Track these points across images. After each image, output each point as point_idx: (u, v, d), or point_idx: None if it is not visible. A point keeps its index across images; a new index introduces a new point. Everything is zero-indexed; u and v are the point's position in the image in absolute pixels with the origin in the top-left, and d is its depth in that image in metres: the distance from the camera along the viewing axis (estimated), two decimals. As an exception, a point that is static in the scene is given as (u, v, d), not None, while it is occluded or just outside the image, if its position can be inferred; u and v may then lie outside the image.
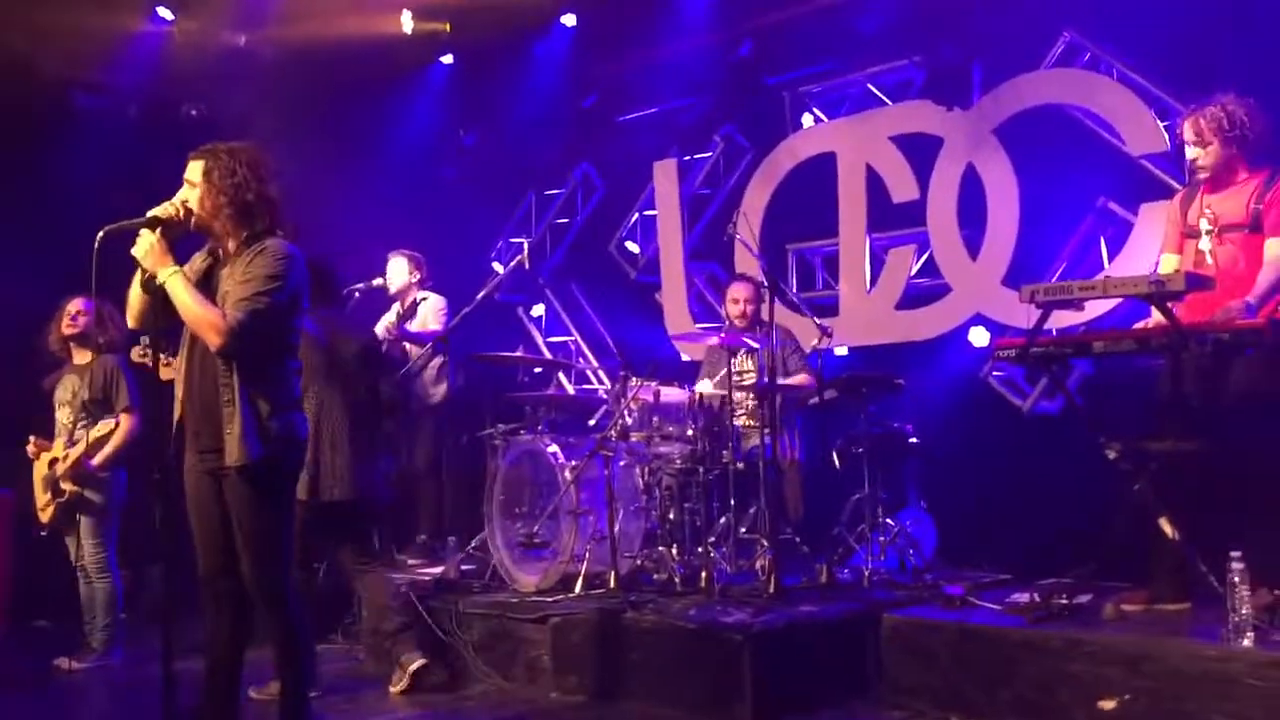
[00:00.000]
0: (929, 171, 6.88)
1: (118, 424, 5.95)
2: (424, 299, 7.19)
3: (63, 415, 5.99)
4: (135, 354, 5.84)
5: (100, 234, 3.60)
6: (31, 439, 6.01)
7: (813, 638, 4.79)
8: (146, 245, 3.71)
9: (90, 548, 5.92)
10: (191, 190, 3.84)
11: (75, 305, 6.02)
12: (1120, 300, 4.89)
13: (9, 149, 7.48)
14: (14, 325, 6.36)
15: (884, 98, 7.26)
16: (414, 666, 5.19)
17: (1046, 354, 4.50)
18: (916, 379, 6.27)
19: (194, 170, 3.86)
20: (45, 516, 5.98)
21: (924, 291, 6.93)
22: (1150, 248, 5.74)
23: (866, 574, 5.54)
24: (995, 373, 6.56)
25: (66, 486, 5.88)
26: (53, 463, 5.93)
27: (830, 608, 5.02)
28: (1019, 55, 6.57)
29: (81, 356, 6.01)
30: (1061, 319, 5.49)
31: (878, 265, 7.15)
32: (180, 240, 3.84)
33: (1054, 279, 6.10)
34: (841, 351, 7.06)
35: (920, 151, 6.92)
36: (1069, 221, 6.37)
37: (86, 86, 8.20)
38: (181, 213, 3.78)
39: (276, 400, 3.81)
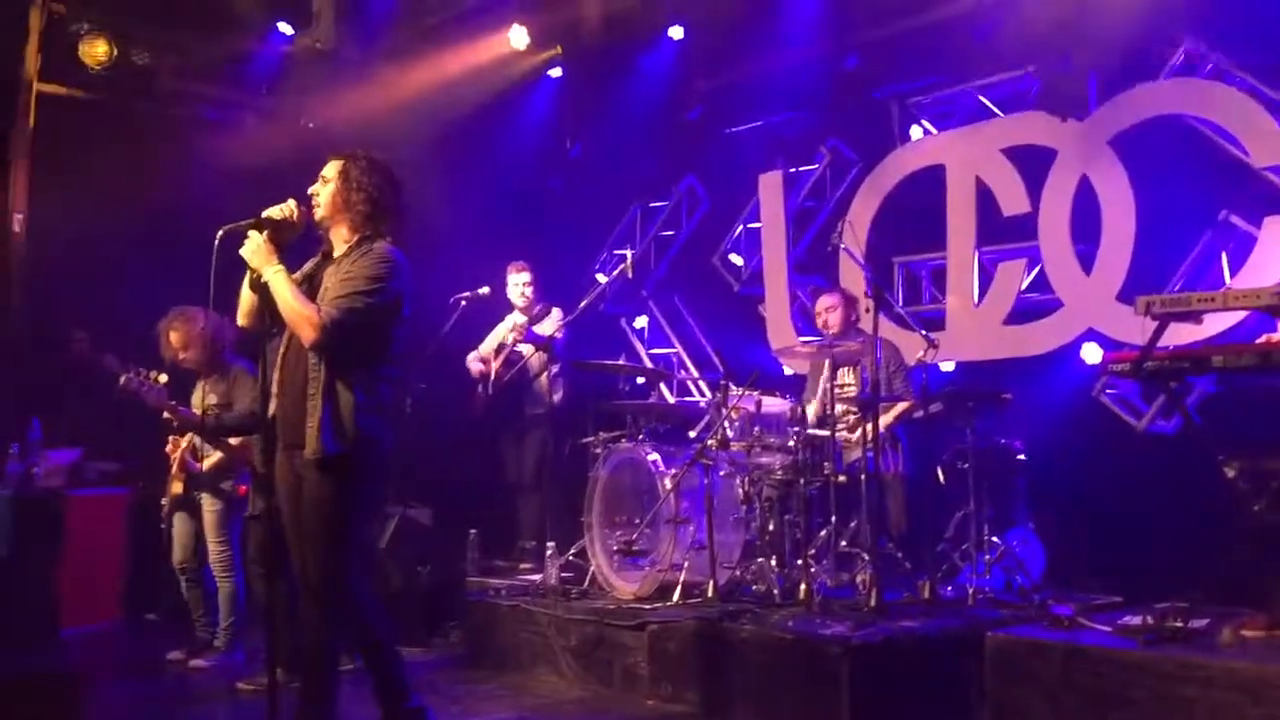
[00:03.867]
0: (1041, 184, 6.74)
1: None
2: (548, 309, 7.25)
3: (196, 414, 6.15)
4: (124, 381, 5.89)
5: (219, 234, 3.72)
6: (171, 438, 6.16)
7: (914, 654, 4.71)
8: (254, 244, 3.82)
9: (213, 546, 6.02)
10: (324, 186, 3.98)
11: (174, 341, 6.01)
12: (1243, 314, 4.72)
13: (136, 159, 7.77)
14: (142, 330, 6.57)
15: (995, 109, 7.13)
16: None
17: (1162, 369, 4.35)
18: (1025, 395, 6.11)
19: (331, 168, 3.99)
20: (164, 510, 6.17)
21: (1034, 306, 6.78)
22: (1275, 262, 5.54)
23: (971, 592, 5.43)
24: (1108, 390, 6.38)
25: (174, 486, 6.06)
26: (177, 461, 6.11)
27: (932, 624, 4.93)
28: (1137, 65, 6.40)
29: (210, 367, 6.10)
30: (1179, 334, 5.31)
31: (986, 279, 7.02)
32: (293, 244, 3.95)
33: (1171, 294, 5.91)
34: (947, 366, 6.94)
35: (1032, 163, 6.78)
36: (1188, 235, 6.17)
37: (209, 99, 8.48)
38: (294, 214, 3.88)
39: (361, 401, 3.83)
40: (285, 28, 8.17)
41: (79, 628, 6.77)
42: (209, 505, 6.04)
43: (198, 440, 6.04)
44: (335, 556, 3.83)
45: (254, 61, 8.40)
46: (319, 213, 3.97)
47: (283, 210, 3.87)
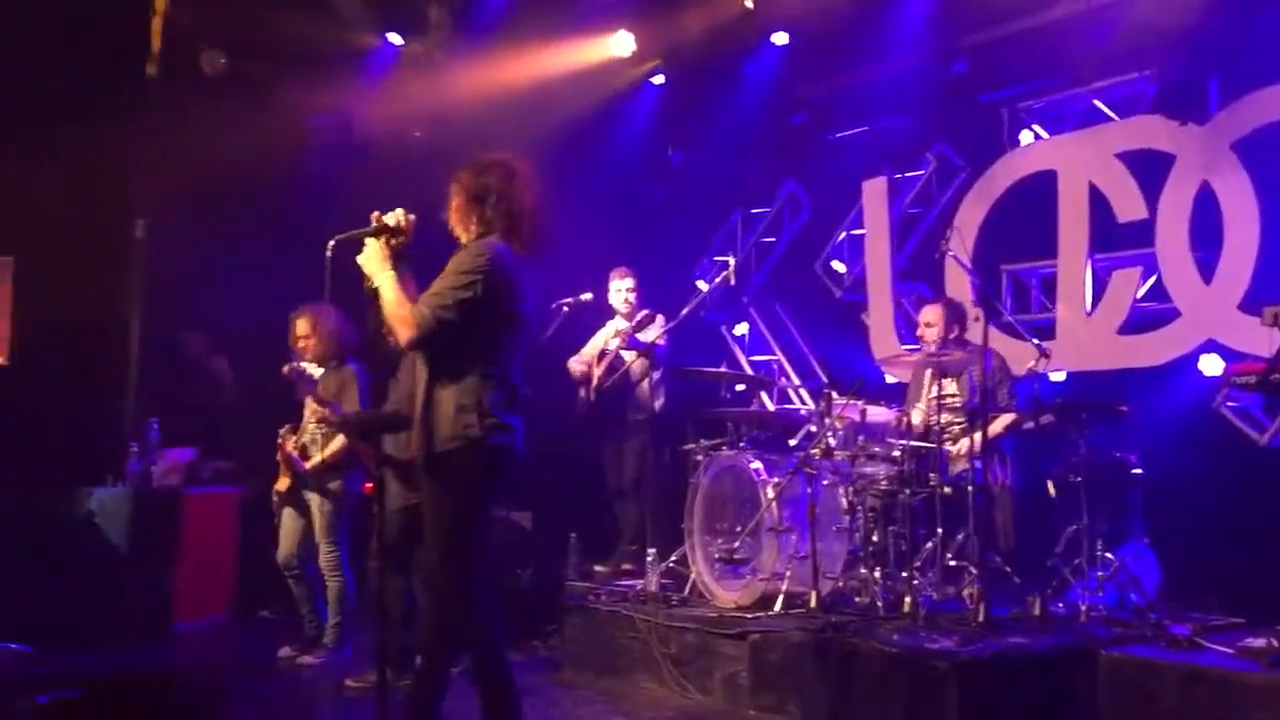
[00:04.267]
0: (1158, 190, 6.54)
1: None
2: (652, 316, 7.25)
3: (307, 414, 6.30)
4: (311, 367, 6.13)
5: (331, 242, 3.78)
6: (281, 433, 6.32)
7: (1024, 671, 4.60)
8: (370, 251, 3.85)
9: (323, 547, 6.14)
10: (453, 199, 3.99)
11: (299, 328, 6.24)
12: (1376, 326, 4.51)
13: (252, 169, 8.00)
14: (254, 332, 6.75)
15: (1110, 113, 6.94)
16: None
17: (1291, 381, 4.20)
18: (1140, 407, 5.94)
19: (460, 175, 3.99)
20: (275, 503, 6.32)
21: (1150, 316, 6.58)
22: None
23: (1083, 609, 5.27)
24: (1229, 402, 6.16)
25: (283, 481, 6.20)
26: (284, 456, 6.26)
27: (1043, 641, 4.80)
28: (1260, 68, 6.17)
29: (325, 363, 6.26)
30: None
31: (1100, 288, 6.84)
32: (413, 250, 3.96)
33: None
34: (1058, 377, 6.76)
35: (1149, 169, 6.58)
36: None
37: (321, 108, 8.68)
38: (404, 222, 3.89)
39: (462, 399, 3.77)
40: (395, 38, 8.32)
41: (192, 623, 6.96)
42: (317, 505, 6.15)
43: (305, 439, 6.17)
44: (442, 558, 3.82)
45: (365, 70, 8.57)
46: (449, 223, 3.98)
47: (394, 218, 3.91)
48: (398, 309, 3.79)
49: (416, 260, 4.01)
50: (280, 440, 6.24)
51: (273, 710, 5.47)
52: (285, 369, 6.09)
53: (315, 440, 6.18)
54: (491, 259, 3.82)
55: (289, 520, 6.25)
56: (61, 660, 5.31)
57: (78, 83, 7.11)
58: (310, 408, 6.22)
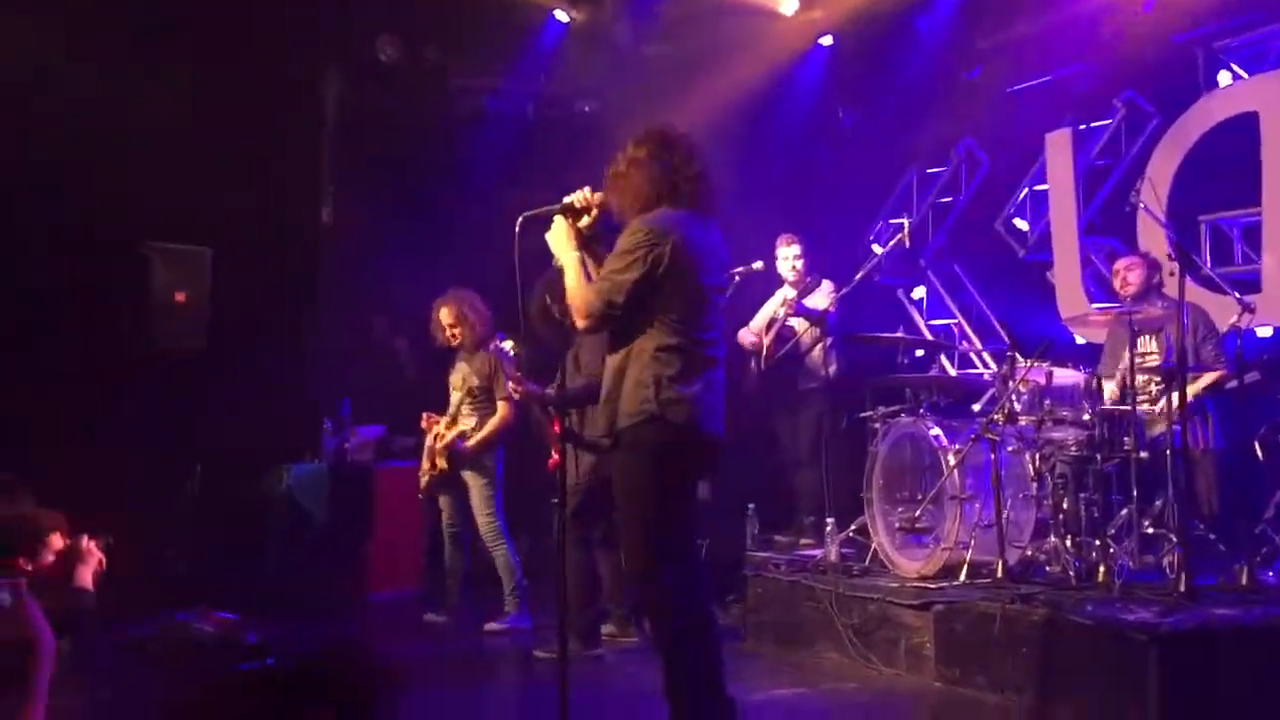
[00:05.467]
0: (1376, 127, 6.04)
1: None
2: (818, 281, 7.13)
3: (454, 398, 6.47)
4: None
5: (520, 219, 3.81)
6: (425, 415, 6.52)
7: (1231, 645, 4.33)
8: (558, 230, 3.88)
9: (482, 520, 6.34)
10: (617, 179, 3.91)
11: (444, 317, 6.38)
12: None
13: (431, 152, 8.23)
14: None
15: (1319, 47, 6.45)
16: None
17: None
18: (1359, 362, 5.52)
19: (621, 159, 3.91)
20: (422, 484, 6.52)
21: (1369, 263, 6.10)
22: None
23: (1296, 578, 4.95)
24: None
25: (439, 462, 6.37)
26: (437, 438, 6.44)
27: (1253, 613, 4.51)
28: None
29: (473, 348, 6.43)
30: None
31: (1310, 235, 6.37)
32: (602, 229, 3.94)
33: None
34: (1265, 332, 6.35)
35: (1365, 105, 6.09)
36: None
37: (493, 90, 8.84)
38: (588, 201, 3.88)
39: (641, 375, 3.73)
40: (562, 15, 8.37)
41: (385, 593, 7.25)
42: (474, 481, 6.35)
43: (460, 418, 6.33)
44: (638, 537, 3.76)
45: (531, 51, 8.67)
46: (614, 205, 3.89)
47: (578, 197, 3.89)
48: (576, 292, 3.82)
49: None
50: (426, 426, 6.43)
51: (463, 678, 5.61)
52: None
53: (471, 422, 6.35)
54: (652, 231, 3.73)
55: (447, 500, 6.51)
56: (266, 628, 5.61)
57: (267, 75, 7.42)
58: (459, 390, 6.38)
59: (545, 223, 3.91)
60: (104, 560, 3.90)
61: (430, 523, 6.84)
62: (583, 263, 3.85)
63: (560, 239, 3.87)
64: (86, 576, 3.83)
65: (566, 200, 3.90)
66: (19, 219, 6.59)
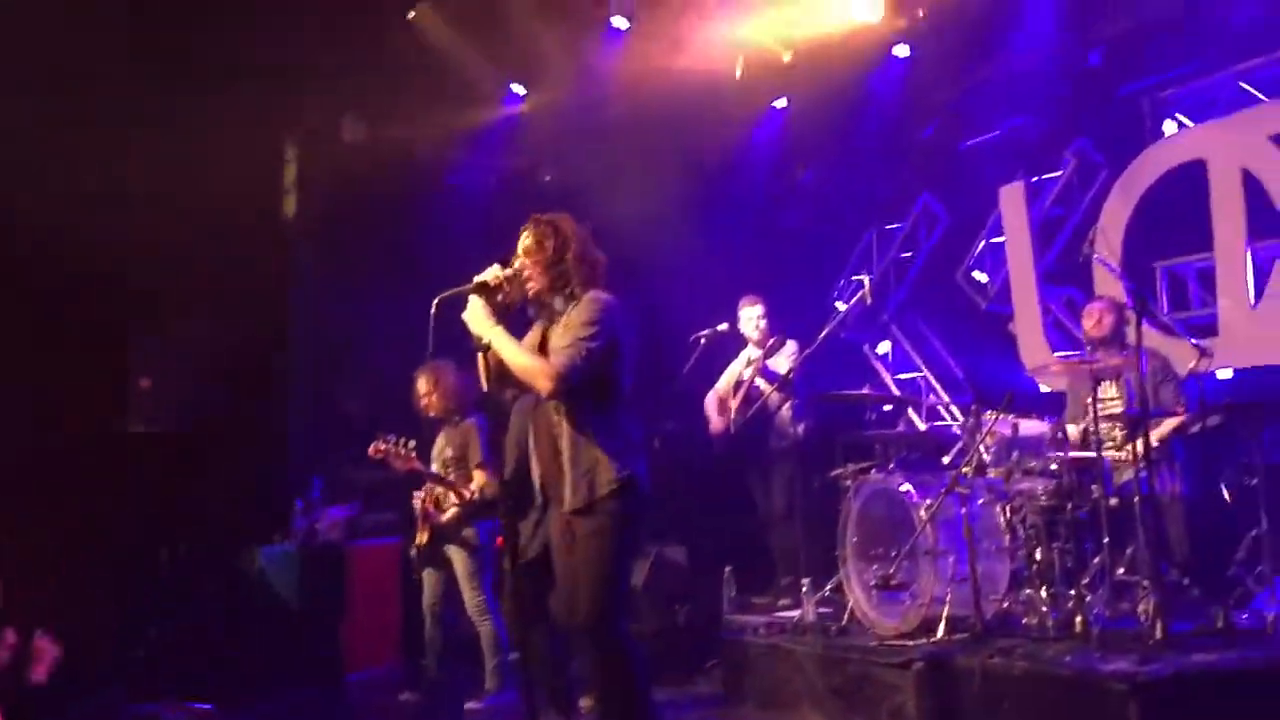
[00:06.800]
0: (1318, 171, 6.20)
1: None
2: (782, 341, 7.17)
3: (436, 468, 6.45)
4: (372, 450, 6.18)
5: (435, 301, 3.88)
6: (415, 493, 6.47)
7: (1210, 691, 4.34)
8: (473, 309, 3.96)
9: (468, 595, 6.25)
10: (525, 257, 4.06)
11: (420, 386, 6.38)
12: None
13: (395, 228, 8.27)
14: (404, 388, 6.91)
15: (1260, 95, 6.60)
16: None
17: None
18: (1317, 401, 5.60)
19: (522, 241, 4.09)
20: (414, 559, 6.44)
21: (1321, 303, 6.22)
22: None
23: (1270, 619, 4.95)
24: None
25: (422, 536, 6.32)
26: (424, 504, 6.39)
27: (1230, 657, 4.52)
28: None
29: (448, 418, 6.42)
30: None
31: (1262, 278, 6.49)
32: (514, 307, 4.06)
33: None
34: (1225, 374, 6.43)
35: (1306, 150, 6.24)
36: None
37: (455, 166, 8.92)
38: (503, 279, 3.99)
39: (610, 445, 3.92)
40: (519, 88, 8.48)
41: (362, 672, 7.14)
42: (457, 556, 6.27)
43: (439, 491, 6.30)
44: (605, 599, 3.90)
45: (492, 123, 8.76)
46: (531, 286, 4.05)
47: (490, 275, 3.99)
48: (530, 362, 3.93)
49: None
50: (373, 452, 6.37)
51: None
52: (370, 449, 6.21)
53: (446, 494, 6.31)
54: (609, 307, 3.99)
55: (430, 576, 6.41)
56: (240, 716, 5.52)
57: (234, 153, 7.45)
58: (437, 462, 6.37)
59: (464, 301, 3.97)
60: (57, 655, 3.84)
61: (410, 599, 6.76)
62: (507, 334, 3.96)
63: (478, 317, 3.95)
64: (41, 672, 3.77)
65: (479, 279, 3.99)
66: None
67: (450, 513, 6.24)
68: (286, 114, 8.00)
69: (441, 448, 6.43)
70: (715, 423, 7.23)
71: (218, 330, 7.16)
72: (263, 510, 7.51)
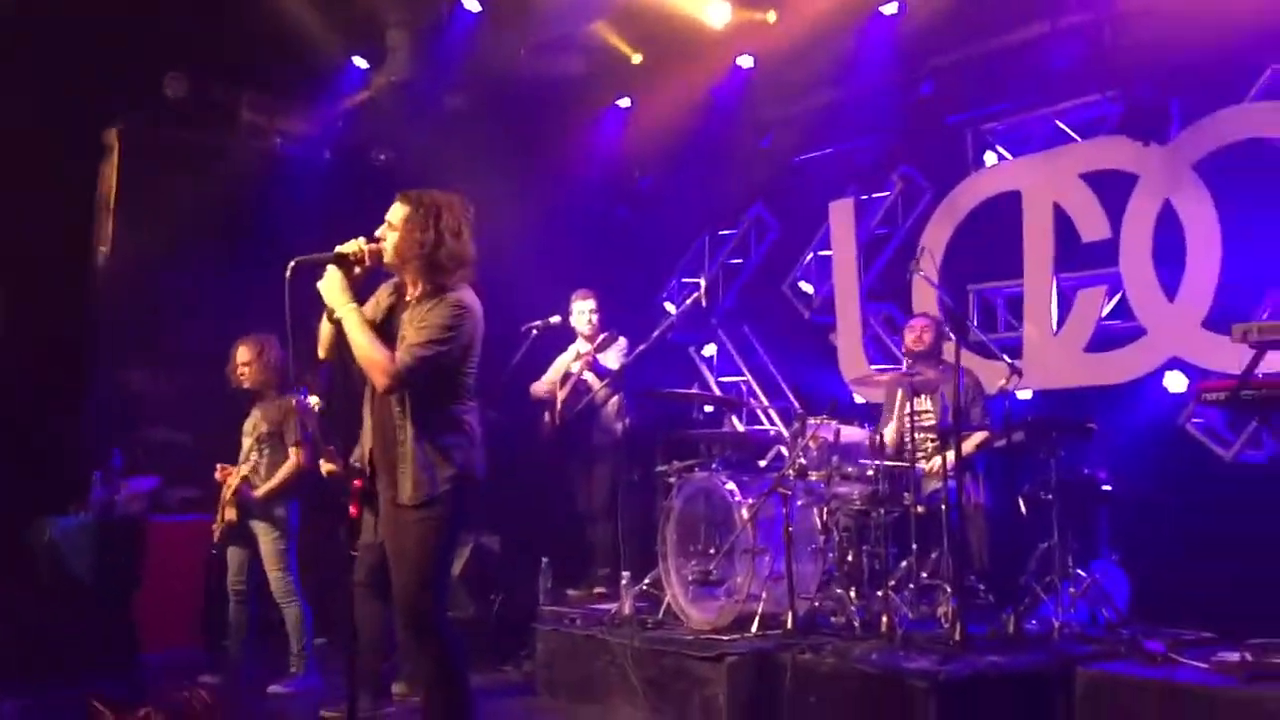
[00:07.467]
0: (1121, 209, 6.63)
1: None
2: (614, 337, 7.22)
3: (245, 444, 6.24)
4: (314, 401, 6.11)
5: (290, 265, 3.74)
6: (220, 466, 6.26)
7: (1001, 690, 4.61)
8: (331, 280, 3.84)
9: (273, 575, 6.10)
10: (391, 231, 3.93)
11: (240, 355, 6.24)
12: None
13: (218, 189, 7.93)
14: (219, 359, 6.66)
15: (1073, 134, 7.04)
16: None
17: (1261, 397, 4.25)
18: (1107, 424, 5.98)
19: (395, 212, 3.94)
20: (215, 536, 6.23)
21: (1116, 334, 6.66)
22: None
23: (1056, 626, 5.30)
24: (1194, 419, 6.23)
25: (228, 514, 6.12)
26: (227, 488, 6.16)
27: (1019, 659, 4.82)
28: (1221, 88, 6.29)
29: (266, 392, 6.26)
30: (1273, 362, 5.17)
31: (1065, 306, 6.91)
32: (367, 277, 3.95)
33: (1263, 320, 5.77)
34: (1025, 395, 6.82)
35: (1112, 189, 6.67)
36: (1276, 261, 6.03)
37: (285, 133, 8.63)
38: (365, 254, 3.88)
39: (449, 441, 3.88)
40: (361, 62, 8.27)
41: (158, 653, 6.83)
42: (265, 534, 6.10)
43: (245, 470, 6.13)
44: (429, 588, 3.87)
45: (329, 96, 8.52)
46: (387, 258, 3.92)
47: (352, 247, 3.87)
48: (373, 353, 3.82)
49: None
50: (219, 473, 6.18)
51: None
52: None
53: (258, 470, 6.15)
54: (469, 312, 3.91)
55: (235, 554, 6.22)
56: (27, 692, 5.21)
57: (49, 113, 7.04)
58: (250, 437, 6.19)
59: (318, 270, 3.86)
60: None
61: (215, 578, 6.51)
62: (361, 315, 3.86)
63: (334, 289, 3.84)
64: None
65: (340, 249, 3.87)
66: None
67: (266, 487, 6.05)
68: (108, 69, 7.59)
69: (256, 422, 6.23)
70: (546, 391, 7.22)
71: (11, 295, 6.75)
72: (55, 479, 7.11)
